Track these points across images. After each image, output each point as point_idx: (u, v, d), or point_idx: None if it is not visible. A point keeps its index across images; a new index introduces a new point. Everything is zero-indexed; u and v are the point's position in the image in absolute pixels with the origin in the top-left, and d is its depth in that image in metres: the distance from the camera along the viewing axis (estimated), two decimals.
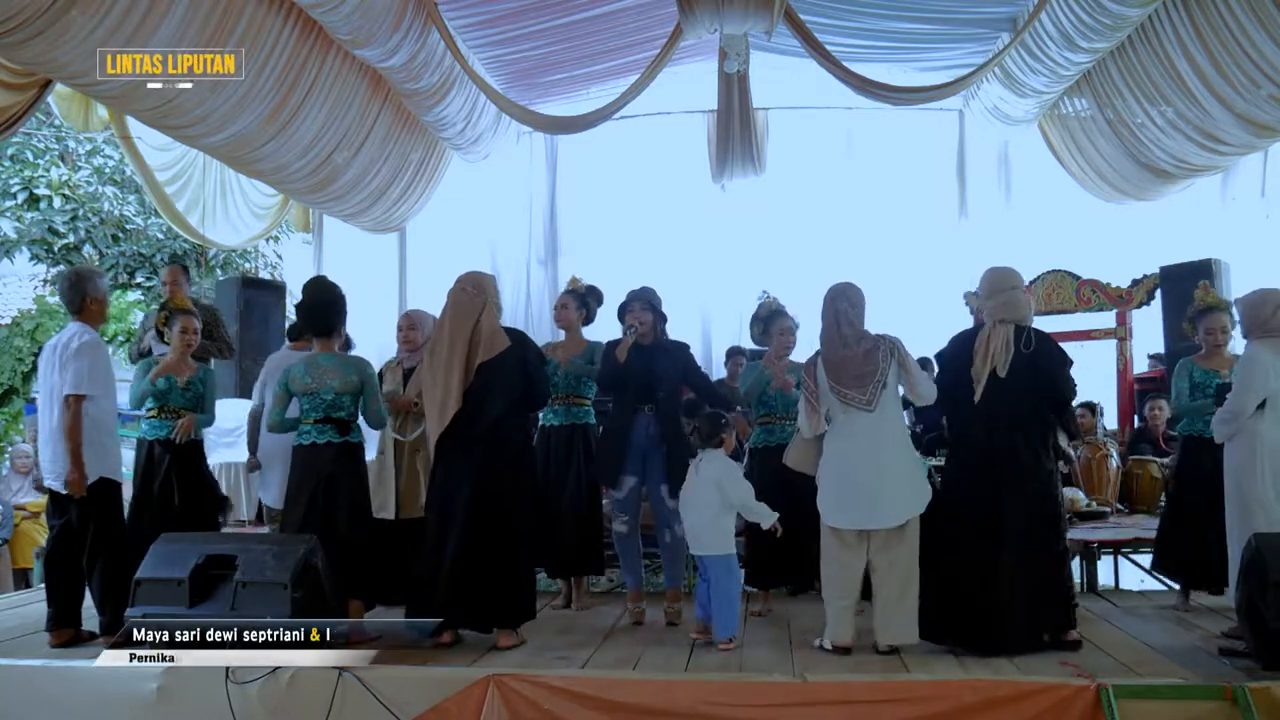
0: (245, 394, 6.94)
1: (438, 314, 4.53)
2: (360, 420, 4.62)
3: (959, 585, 4.04)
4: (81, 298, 4.50)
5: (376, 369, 4.89)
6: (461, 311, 4.32)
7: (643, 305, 4.84)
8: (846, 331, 4.19)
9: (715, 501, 4.25)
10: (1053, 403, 4.18)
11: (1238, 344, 4.77)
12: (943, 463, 4.94)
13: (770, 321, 5.06)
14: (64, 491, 4.38)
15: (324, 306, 4.65)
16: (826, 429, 4.22)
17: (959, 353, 4.23)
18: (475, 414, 4.22)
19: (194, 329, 4.82)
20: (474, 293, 4.36)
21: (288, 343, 5.90)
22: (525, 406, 4.50)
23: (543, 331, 8.87)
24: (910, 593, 4.09)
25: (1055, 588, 4.07)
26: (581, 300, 5.15)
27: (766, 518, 4.26)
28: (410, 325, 5.17)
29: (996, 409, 4.06)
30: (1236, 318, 4.61)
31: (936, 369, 4.59)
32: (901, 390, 4.21)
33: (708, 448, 4.36)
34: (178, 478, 4.66)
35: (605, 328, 5.15)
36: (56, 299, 11.06)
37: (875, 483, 4.07)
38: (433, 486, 4.36)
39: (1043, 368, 4.10)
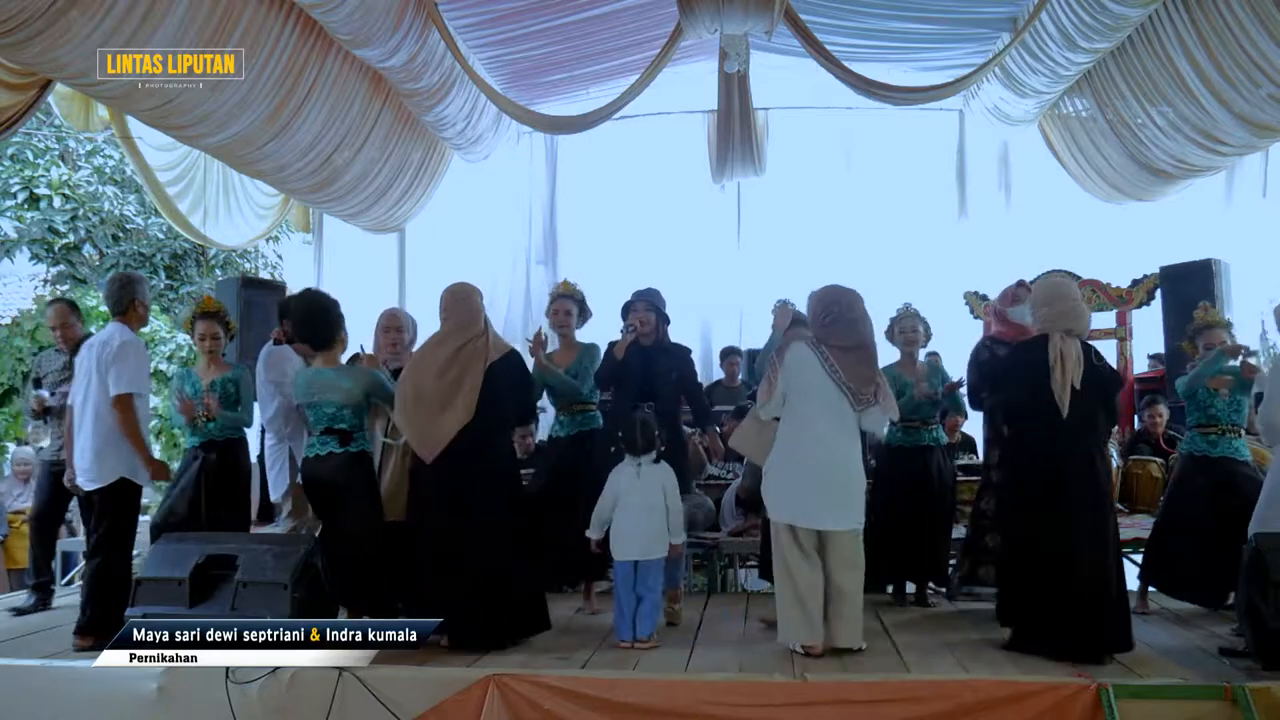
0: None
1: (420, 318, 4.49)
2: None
3: (1076, 597, 3.91)
4: (130, 300, 4.60)
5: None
6: (472, 309, 4.33)
7: (646, 306, 4.92)
8: (867, 330, 4.18)
9: (662, 507, 4.27)
10: (1107, 415, 4.19)
11: None
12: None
13: (897, 322, 5.12)
14: (86, 490, 4.42)
15: (316, 315, 4.48)
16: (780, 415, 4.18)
17: (1028, 364, 4.10)
18: (488, 414, 4.20)
19: (211, 333, 4.74)
20: (477, 294, 4.40)
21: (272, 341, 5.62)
22: (517, 421, 4.51)
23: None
24: (860, 596, 4.09)
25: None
26: (580, 305, 5.13)
27: (678, 535, 4.34)
28: (398, 327, 4.95)
29: (1077, 422, 3.99)
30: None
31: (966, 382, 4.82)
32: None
33: (642, 455, 4.31)
34: (208, 483, 4.64)
35: (600, 329, 5.15)
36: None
37: (842, 483, 4.06)
38: (429, 498, 4.27)
39: (1103, 385, 4.09)
